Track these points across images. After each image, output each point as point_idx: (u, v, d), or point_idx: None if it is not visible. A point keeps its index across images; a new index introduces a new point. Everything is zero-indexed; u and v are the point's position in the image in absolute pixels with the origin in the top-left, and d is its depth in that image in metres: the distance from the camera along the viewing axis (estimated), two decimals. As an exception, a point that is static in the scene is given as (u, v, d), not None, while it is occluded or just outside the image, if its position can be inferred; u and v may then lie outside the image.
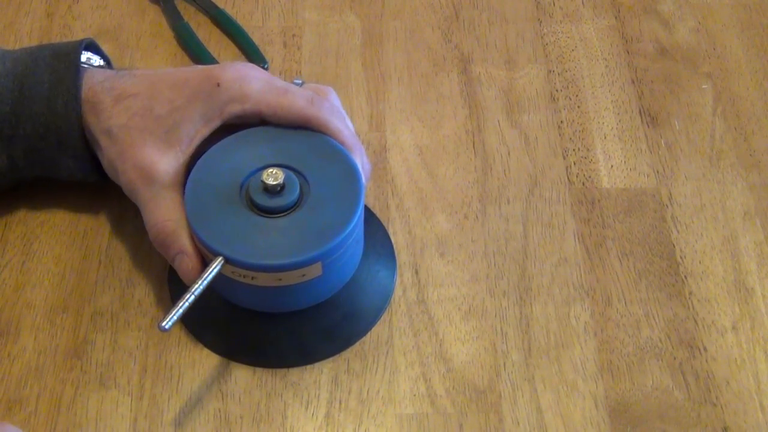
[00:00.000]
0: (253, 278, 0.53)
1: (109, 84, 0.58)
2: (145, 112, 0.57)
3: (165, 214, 0.56)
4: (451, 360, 0.58)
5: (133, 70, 0.60)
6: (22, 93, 0.58)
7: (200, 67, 0.60)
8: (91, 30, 0.75)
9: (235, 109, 0.57)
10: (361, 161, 0.59)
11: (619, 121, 0.71)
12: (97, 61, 0.63)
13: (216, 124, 0.58)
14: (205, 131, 0.58)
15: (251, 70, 0.59)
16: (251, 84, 0.57)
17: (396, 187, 0.66)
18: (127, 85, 0.58)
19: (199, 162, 0.57)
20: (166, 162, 0.57)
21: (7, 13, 0.76)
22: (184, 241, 0.56)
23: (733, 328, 0.60)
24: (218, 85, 0.57)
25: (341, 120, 0.59)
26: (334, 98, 0.61)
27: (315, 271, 0.54)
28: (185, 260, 0.56)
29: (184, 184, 0.57)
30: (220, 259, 0.53)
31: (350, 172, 0.56)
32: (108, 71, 0.61)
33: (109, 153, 0.58)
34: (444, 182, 0.67)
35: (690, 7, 0.78)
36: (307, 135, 0.59)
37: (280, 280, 0.54)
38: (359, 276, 0.59)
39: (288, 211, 0.55)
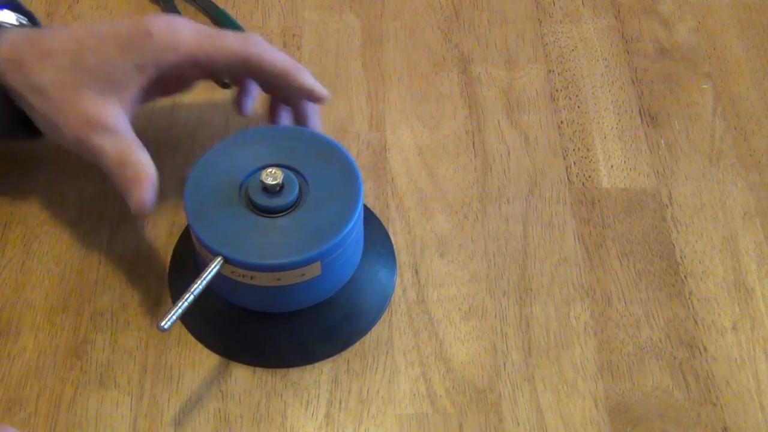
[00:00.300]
0: (252, 278, 0.53)
1: (31, 41, 0.58)
2: (75, 66, 0.56)
3: (122, 155, 0.56)
4: (451, 360, 0.58)
5: (54, 26, 0.60)
6: None
7: (126, 20, 0.60)
8: (91, 30, 0.75)
9: (169, 57, 0.57)
10: (310, 81, 0.59)
11: (619, 121, 0.71)
12: (17, 20, 0.62)
13: (151, 72, 0.57)
14: (141, 80, 0.57)
15: (180, 19, 0.59)
16: (183, 32, 0.58)
17: (396, 187, 0.66)
18: (50, 41, 0.57)
19: (199, 162, 0.57)
20: (110, 108, 0.57)
21: (7, 14, 0.76)
22: (142, 167, 0.56)
23: (733, 328, 0.60)
24: (150, 35, 0.57)
25: (276, 51, 0.60)
26: (262, 39, 0.61)
27: (314, 270, 0.54)
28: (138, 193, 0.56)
29: (131, 130, 0.57)
30: (219, 258, 0.53)
31: (349, 171, 0.56)
32: (31, 29, 0.60)
33: (43, 110, 0.57)
34: (444, 182, 0.67)
35: (690, 7, 0.78)
36: (306, 135, 0.59)
37: (279, 279, 0.54)
38: (359, 276, 0.59)
39: (287, 211, 0.55)
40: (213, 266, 0.52)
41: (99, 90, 0.56)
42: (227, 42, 0.58)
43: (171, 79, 0.60)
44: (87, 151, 0.57)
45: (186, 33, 0.58)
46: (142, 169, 0.56)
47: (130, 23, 0.58)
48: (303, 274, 0.54)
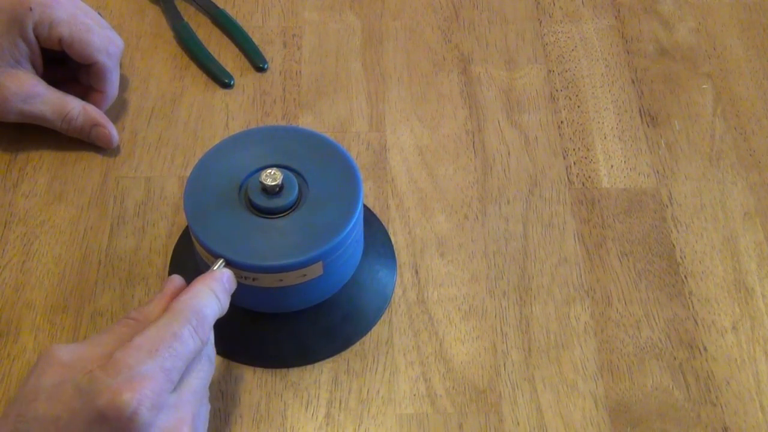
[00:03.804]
0: (254, 279, 0.53)
1: None
2: None
3: (62, 111, 0.65)
4: (451, 360, 0.58)
5: None
6: None
7: None
8: (91, 30, 0.75)
9: (42, 32, 0.64)
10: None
11: (619, 121, 0.71)
12: None
13: (35, 43, 0.64)
14: (34, 49, 0.65)
15: None
16: (59, 11, 0.64)
17: (396, 187, 0.66)
18: None
19: (199, 162, 0.57)
20: (29, 77, 0.65)
21: (7, 14, 0.76)
22: (86, 111, 0.66)
23: (733, 328, 0.60)
24: (30, 9, 0.63)
25: (117, 71, 0.68)
26: (119, 50, 0.68)
27: (316, 271, 0.54)
28: (102, 130, 0.67)
29: (52, 88, 0.66)
30: (221, 261, 0.52)
31: (349, 171, 0.56)
32: None
33: None
34: (444, 182, 0.67)
35: (690, 7, 0.78)
36: (305, 135, 0.59)
37: (280, 281, 0.53)
38: (359, 276, 0.59)
39: (287, 212, 0.55)
40: (215, 269, 0.52)
41: (11, 65, 0.64)
42: (92, 42, 0.65)
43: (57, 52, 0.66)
44: (32, 120, 0.66)
45: (62, 14, 0.64)
46: (87, 111, 0.66)
47: None
48: (304, 275, 0.54)
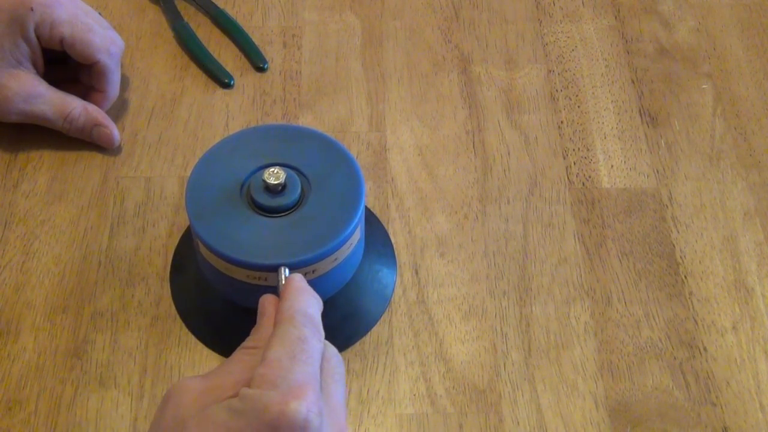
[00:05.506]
0: (257, 278, 0.53)
1: None
2: None
3: (63, 111, 0.66)
4: (451, 360, 0.58)
5: None
6: None
7: None
8: (91, 30, 0.75)
9: (44, 32, 0.64)
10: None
11: (619, 121, 0.71)
12: None
13: (35, 43, 0.64)
14: (35, 49, 0.65)
15: None
16: (60, 11, 0.64)
17: (396, 187, 0.66)
18: None
19: (200, 162, 0.57)
20: (30, 78, 0.65)
21: (7, 13, 0.76)
22: (87, 111, 0.66)
23: (733, 328, 0.60)
24: (32, 9, 0.63)
25: (118, 71, 0.68)
26: (120, 50, 0.68)
27: (309, 273, 0.54)
28: (103, 130, 0.67)
29: (53, 88, 0.66)
30: (283, 268, 0.52)
31: (351, 171, 0.56)
32: None
33: None
34: (444, 182, 0.67)
35: (690, 7, 0.78)
36: (307, 134, 0.59)
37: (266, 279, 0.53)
38: (359, 276, 0.59)
39: (289, 211, 0.55)
40: (281, 279, 0.52)
41: (12, 65, 0.64)
42: (93, 41, 0.65)
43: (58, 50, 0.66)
44: (33, 120, 0.66)
45: (63, 15, 0.64)
46: (88, 111, 0.66)
47: None
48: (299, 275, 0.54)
